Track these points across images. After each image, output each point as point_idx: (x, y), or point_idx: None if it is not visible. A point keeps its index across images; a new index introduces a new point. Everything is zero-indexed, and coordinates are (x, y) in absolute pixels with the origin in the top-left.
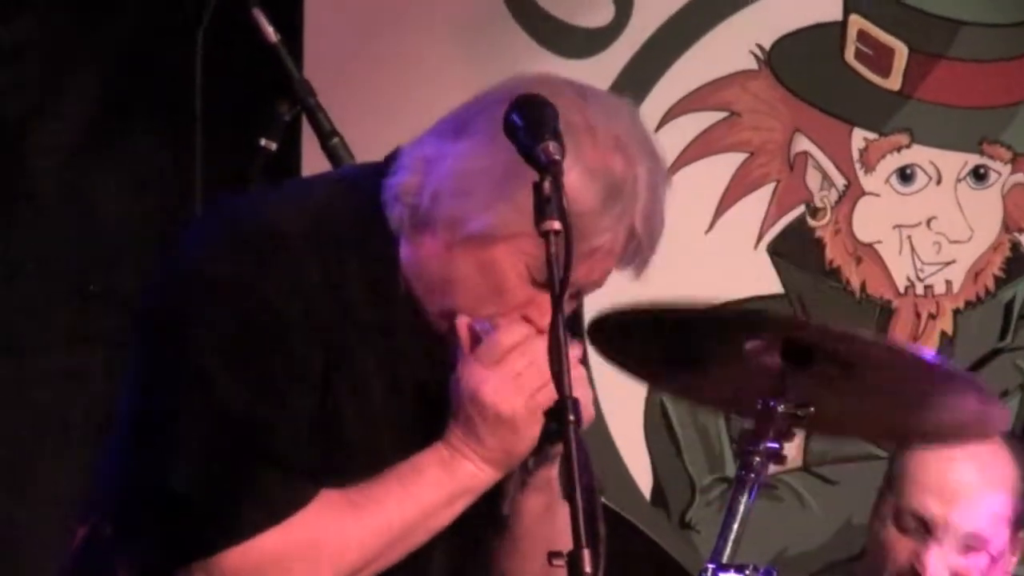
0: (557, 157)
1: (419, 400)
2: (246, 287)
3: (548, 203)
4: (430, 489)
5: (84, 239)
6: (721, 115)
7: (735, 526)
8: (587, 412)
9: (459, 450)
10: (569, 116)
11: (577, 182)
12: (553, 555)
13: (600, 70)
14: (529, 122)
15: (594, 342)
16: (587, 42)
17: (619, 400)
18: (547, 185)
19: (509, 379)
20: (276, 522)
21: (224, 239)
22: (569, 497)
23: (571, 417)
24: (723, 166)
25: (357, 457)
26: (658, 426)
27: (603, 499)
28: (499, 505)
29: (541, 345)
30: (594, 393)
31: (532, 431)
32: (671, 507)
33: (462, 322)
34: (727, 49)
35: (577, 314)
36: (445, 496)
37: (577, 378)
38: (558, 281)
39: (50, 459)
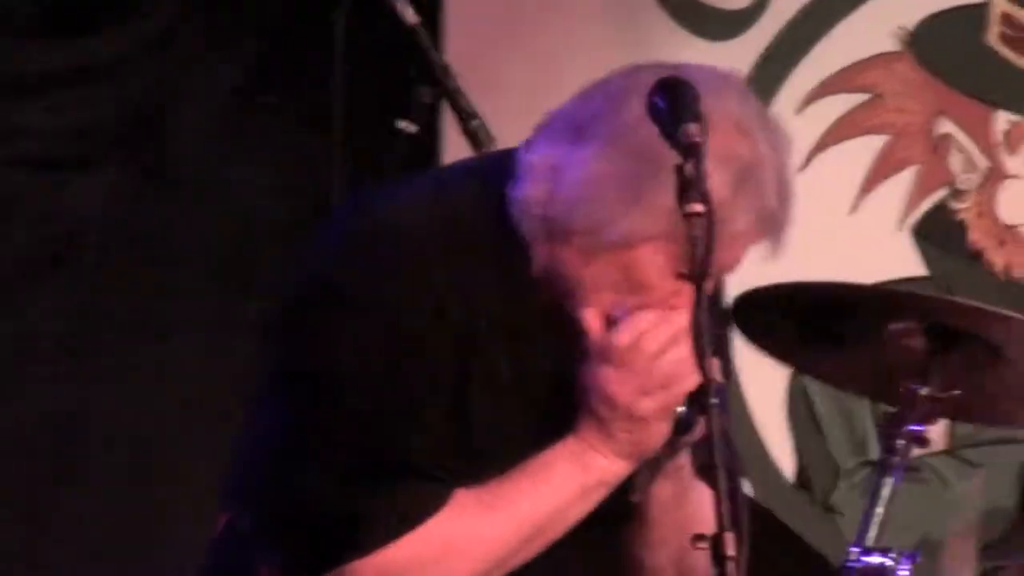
0: (699, 139)
1: (551, 399)
2: (377, 296)
3: (690, 186)
4: (562, 484)
5: (224, 224)
6: (863, 97)
7: (879, 509)
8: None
9: (590, 444)
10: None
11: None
12: (696, 538)
13: (741, 52)
14: (671, 104)
15: (737, 323)
16: (728, 24)
17: (761, 384)
18: (689, 167)
19: (635, 376)
20: (410, 528)
21: (356, 244)
22: (712, 480)
23: (713, 400)
24: (865, 148)
25: (490, 456)
26: (801, 409)
27: (746, 485)
28: (629, 494)
29: (661, 336)
30: (736, 376)
31: (663, 425)
32: (815, 490)
33: (591, 314)
34: (869, 31)
35: (716, 299)
36: (578, 491)
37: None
38: (700, 262)
39: (192, 444)
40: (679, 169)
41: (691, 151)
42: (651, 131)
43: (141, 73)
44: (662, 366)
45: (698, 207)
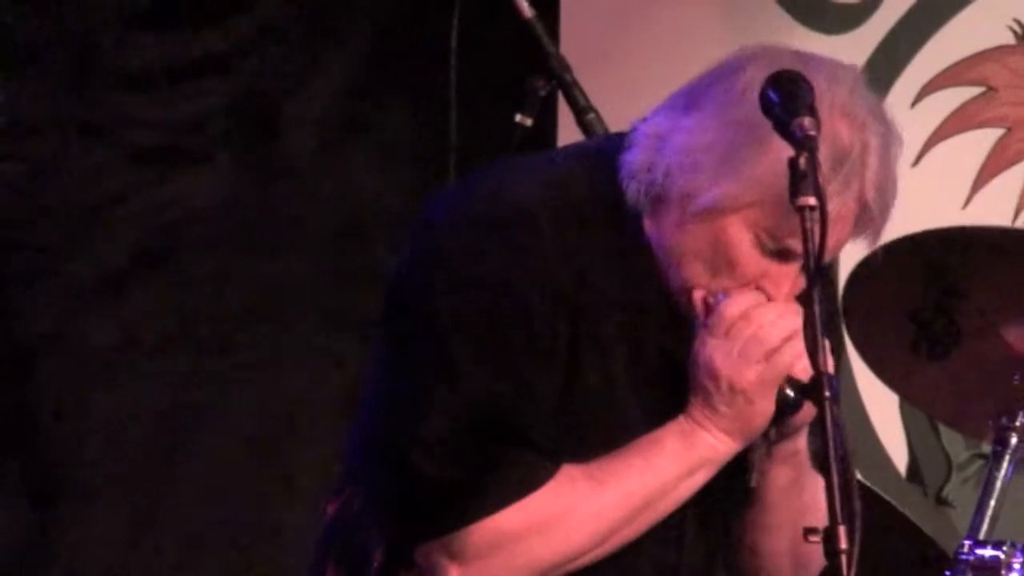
0: (812, 132)
1: (662, 373)
2: (488, 266)
3: (804, 179)
4: (670, 461)
5: (339, 215)
6: (978, 90)
7: (992, 502)
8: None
9: (697, 422)
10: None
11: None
12: (808, 531)
13: (856, 46)
14: (785, 97)
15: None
16: (843, 17)
17: (874, 377)
18: (803, 161)
19: (738, 347)
20: (519, 498)
21: (466, 217)
22: (825, 473)
23: (827, 393)
24: (980, 141)
25: (599, 430)
26: None
27: (858, 475)
28: (746, 478)
29: (768, 313)
30: (850, 370)
31: (766, 401)
32: (927, 483)
33: (698, 295)
34: (984, 24)
35: (824, 287)
36: (685, 468)
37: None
38: (813, 257)
39: (305, 436)
40: (792, 162)
41: (804, 144)
42: (755, 103)
43: (253, 65)
44: (765, 339)
45: (811, 200)
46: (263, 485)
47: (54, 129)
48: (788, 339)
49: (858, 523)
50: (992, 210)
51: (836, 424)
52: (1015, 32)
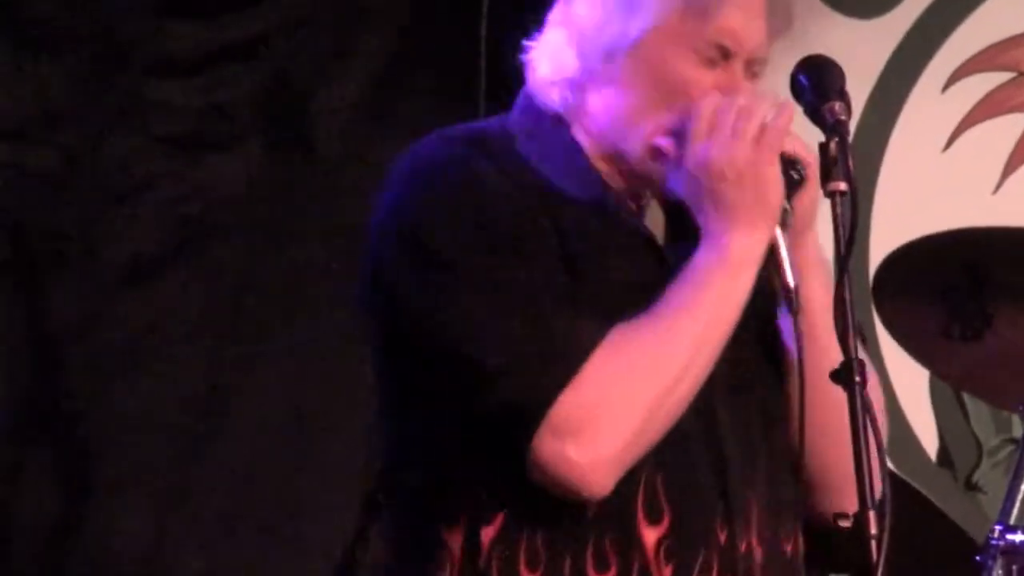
0: (843, 117)
1: (646, 252)
2: (470, 168)
3: (835, 164)
4: (710, 276)
5: (366, 203)
6: (1009, 75)
7: (1023, 487)
8: (807, 154)
9: (719, 230)
10: None
11: None
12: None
13: (887, 30)
14: (815, 82)
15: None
16: (874, 2)
17: (904, 361)
18: (833, 146)
19: (728, 135)
20: (586, 357)
21: (416, 163)
22: (856, 458)
23: (857, 378)
24: (1011, 127)
25: (605, 301)
26: (943, 386)
27: (889, 462)
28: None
29: (741, 97)
30: (880, 355)
31: (773, 169)
32: (957, 468)
33: (662, 141)
34: (1015, 8)
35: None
36: (728, 275)
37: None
38: (844, 243)
39: (334, 422)
40: (823, 147)
41: (836, 129)
42: None
43: (283, 51)
44: (750, 114)
45: (841, 185)
46: (293, 473)
47: (83, 117)
48: (766, 117)
49: (888, 508)
50: (1022, 195)
51: (866, 409)
52: None
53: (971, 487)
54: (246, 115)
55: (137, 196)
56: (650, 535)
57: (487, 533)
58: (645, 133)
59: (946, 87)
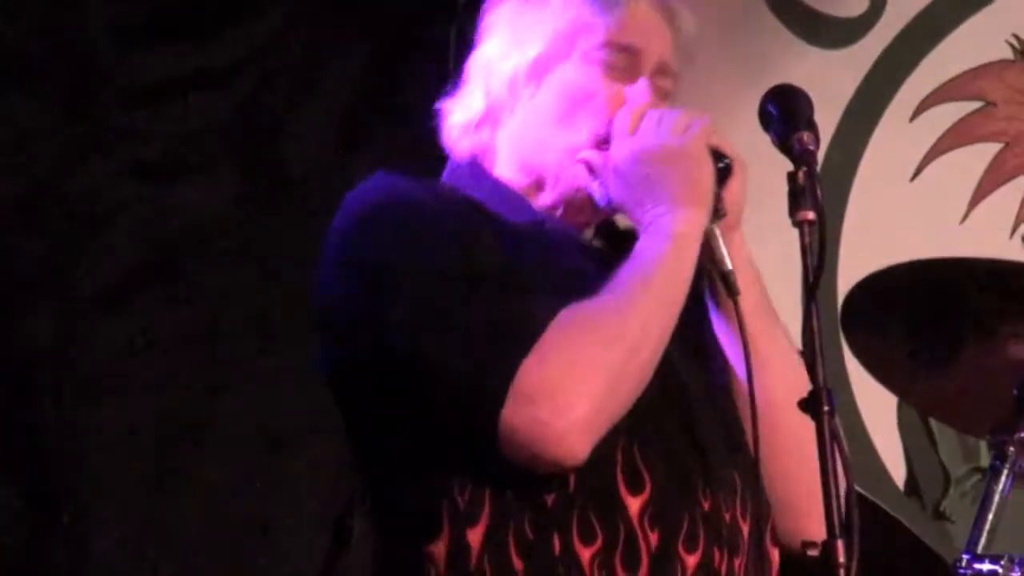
0: (811, 147)
1: (586, 262)
2: (404, 187)
3: (803, 193)
4: (654, 252)
5: None
6: (976, 105)
7: (990, 516)
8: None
9: (656, 212)
10: None
11: None
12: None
13: (855, 60)
14: (783, 112)
15: (846, 333)
16: (842, 32)
17: (872, 390)
18: (801, 175)
19: (653, 126)
20: (541, 331)
21: (375, 182)
22: (824, 487)
23: (826, 407)
24: (978, 156)
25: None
26: (911, 415)
27: (858, 488)
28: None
29: (661, 107)
30: (848, 383)
31: (701, 151)
32: (925, 497)
33: (584, 156)
34: (983, 38)
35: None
36: (672, 248)
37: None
38: (812, 270)
39: (305, 448)
40: (791, 177)
41: (804, 158)
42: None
43: (254, 78)
44: (675, 116)
45: (810, 215)
46: (265, 498)
47: (55, 143)
48: (690, 112)
49: (856, 536)
50: (990, 225)
51: (834, 437)
52: (1013, 47)
53: (939, 516)
54: (217, 141)
55: (109, 223)
56: (633, 503)
57: (474, 535)
58: (565, 152)
59: (914, 117)
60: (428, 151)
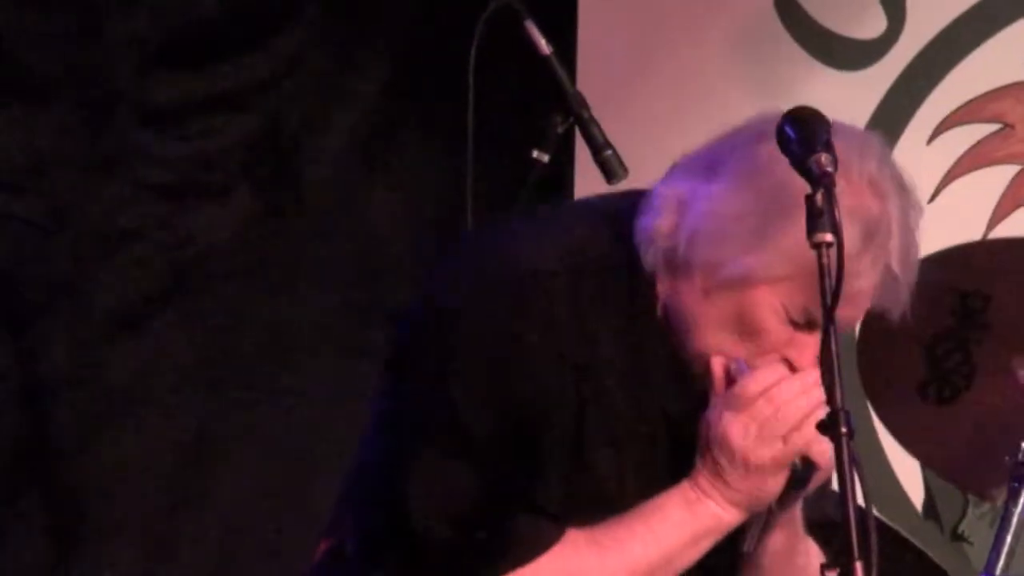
0: (829, 169)
1: (667, 436)
2: (500, 330)
3: (821, 215)
4: (674, 529)
5: (356, 250)
6: (994, 127)
7: (1008, 538)
8: (824, 462)
9: (705, 491)
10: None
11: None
12: (825, 567)
13: (873, 82)
14: (801, 134)
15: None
16: (859, 54)
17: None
18: (819, 197)
19: (757, 426)
20: (522, 563)
21: (479, 281)
22: (842, 509)
23: (843, 429)
24: (996, 179)
25: (603, 491)
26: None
27: (876, 511)
28: (740, 542)
29: (790, 389)
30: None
31: (778, 477)
32: (943, 519)
33: (717, 362)
34: (1001, 60)
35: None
36: (689, 536)
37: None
38: (831, 294)
39: (323, 471)
40: (809, 198)
41: (821, 181)
42: (783, 173)
43: (272, 101)
44: (784, 419)
45: (827, 237)
46: (282, 521)
47: (72, 165)
48: (808, 416)
49: (875, 559)
50: None
51: (852, 460)
52: None
53: (957, 538)
54: (235, 164)
55: (126, 244)
56: None
57: None
58: (706, 347)
59: (931, 139)
60: (444, 175)
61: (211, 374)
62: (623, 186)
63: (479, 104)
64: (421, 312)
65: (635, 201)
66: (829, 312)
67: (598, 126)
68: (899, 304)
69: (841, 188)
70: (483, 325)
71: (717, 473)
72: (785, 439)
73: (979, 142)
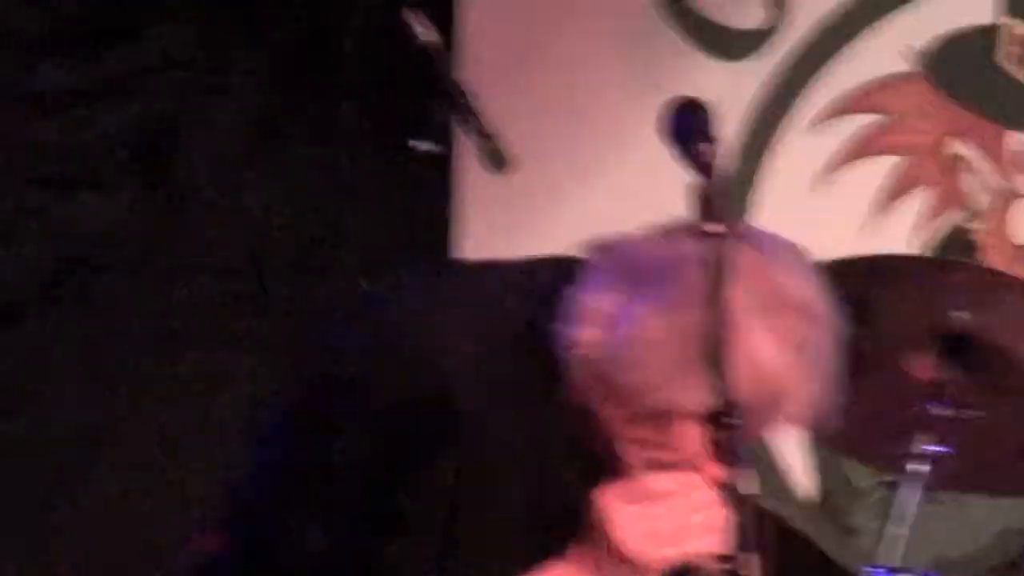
0: (712, 160)
1: (556, 526)
2: (395, 380)
3: (708, 204)
4: None
5: (237, 242)
6: (876, 118)
7: (897, 529)
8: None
9: (575, 565)
10: (752, 280)
11: (771, 353)
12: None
13: (753, 72)
14: (684, 124)
15: None
16: (741, 44)
17: None
18: (704, 187)
19: (645, 523)
20: None
21: (388, 344)
22: (732, 502)
23: (730, 420)
24: (876, 169)
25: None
26: None
27: (768, 504)
28: None
29: (685, 501)
30: None
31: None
32: (833, 511)
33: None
34: (880, 51)
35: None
36: None
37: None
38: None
39: (207, 461)
40: (697, 189)
41: (706, 170)
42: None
43: (153, 92)
44: (666, 520)
45: (717, 228)
46: (165, 512)
47: None
48: (704, 525)
49: (766, 552)
50: (891, 237)
51: (739, 453)
52: (912, 59)
53: (847, 529)
54: (117, 153)
55: (8, 235)
56: None
57: None
58: (618, 449)
59: (813, 129)
60: (324, 165)
61: (93, 368)
62: (507, 175)
63: (359, 94)
64: (327, 350)
65: (558, 278)
66: (716, 301)
67: (480, 116)
68: (824, 423)
69: (777, 313)
70: (382, 380)
71: (587, 553)
72: (667, 546)
73: (860, 132)
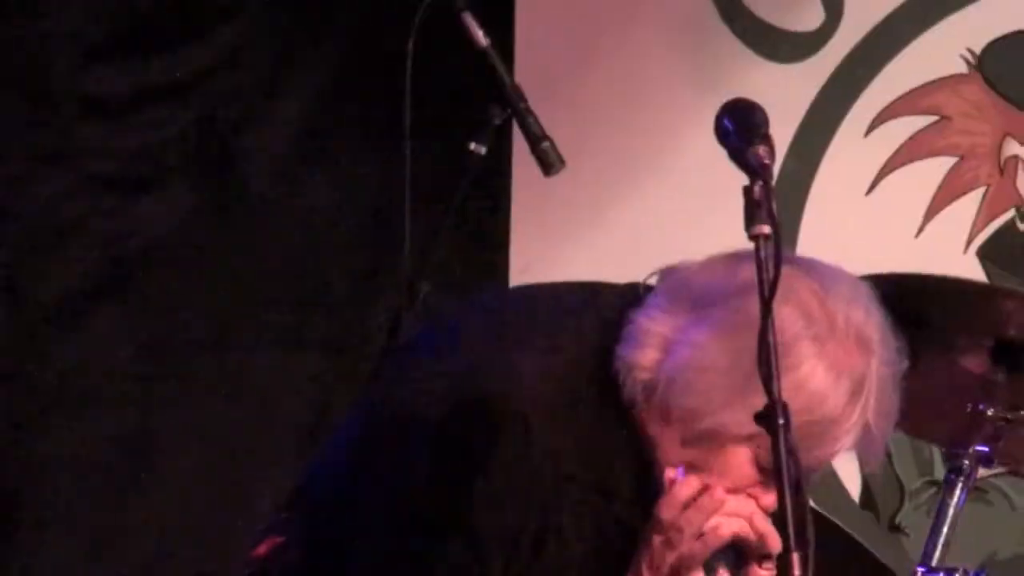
0: (767, 161)
1: (623, 551)
2: (471, 461)
3: (758, 207)
4: None
5: (295, 243)
6: (931, 119)
7: (945, 529)
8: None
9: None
10: (810, 309)
11: (824, 382)
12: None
13: (810, 74)
14: (739, 126)
15: None
16: (797, 46)
17: None
18: (757, 189)
19: (679, 535)
20: None
21: (457, 397)
22: (779, 500)
23: (780, 421)
24: (933, 170)
25: None
26: None
27: (812, 503)
28: None
29: (701, 513)
30: None
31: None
32: (880, 510)
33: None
34: (938, 53)
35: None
36: None
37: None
38: (768, 285)
39: (263, 462)
40: (747, 190)
41: (759, 172)
42: None
43: (211, 93)
44: (689, 524)
45: (765, 229)
46: (220, 512)
47: (13, 157)
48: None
49: (811, 551)
50: (945, 239)
51: (789, 451)
52: (967, 61)
53: (894, 529)
54: (175, 156)
55: (66, 237)
56: None
57: None
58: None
59: (869, 131)
60: (382, 167)
61: (149, 367)
62: (562, 177)
63: (417, 96)
64: (389, 410)
65: (622, 308)
66: (767, 303)
67: (535, 118)
68: (875, 456)
69: (830, 342)
70: (455, 462)
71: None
72: (688, 553)
73: (916, 134)
